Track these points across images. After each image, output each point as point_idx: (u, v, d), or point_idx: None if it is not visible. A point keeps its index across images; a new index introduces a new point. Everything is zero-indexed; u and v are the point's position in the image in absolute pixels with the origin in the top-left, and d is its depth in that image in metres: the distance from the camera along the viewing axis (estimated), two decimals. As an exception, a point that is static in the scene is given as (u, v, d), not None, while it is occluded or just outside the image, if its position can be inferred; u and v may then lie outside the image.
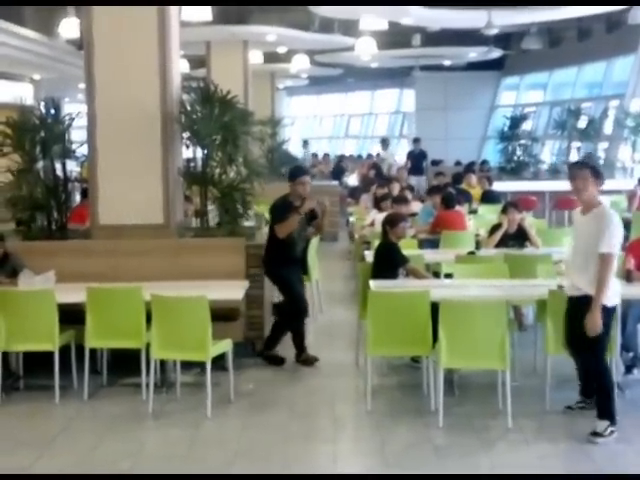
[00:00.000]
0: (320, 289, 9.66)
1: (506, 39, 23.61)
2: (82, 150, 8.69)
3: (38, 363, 7.06)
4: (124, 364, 7.20)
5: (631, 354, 6.94)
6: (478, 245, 9.08)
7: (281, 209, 7.70)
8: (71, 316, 6.86)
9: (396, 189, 12.86)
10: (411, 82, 28.95)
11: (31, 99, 20.43)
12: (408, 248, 8.42)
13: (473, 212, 12.25)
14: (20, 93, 21.07)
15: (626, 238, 6.51)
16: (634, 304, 6.68)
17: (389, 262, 7.57)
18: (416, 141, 21.70)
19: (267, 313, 8.27)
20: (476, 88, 27.81)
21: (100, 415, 6.54)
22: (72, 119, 8.44)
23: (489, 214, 11.97)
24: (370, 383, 6.56)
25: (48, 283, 7.10)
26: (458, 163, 22.23)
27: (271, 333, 7.90)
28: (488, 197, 13.57)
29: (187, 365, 7.05)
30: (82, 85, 9.60)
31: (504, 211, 9.19)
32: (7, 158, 8.28)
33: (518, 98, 27.68)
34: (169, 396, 6.88)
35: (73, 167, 14.70)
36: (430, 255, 8.84)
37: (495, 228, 9.16)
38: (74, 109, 9.02)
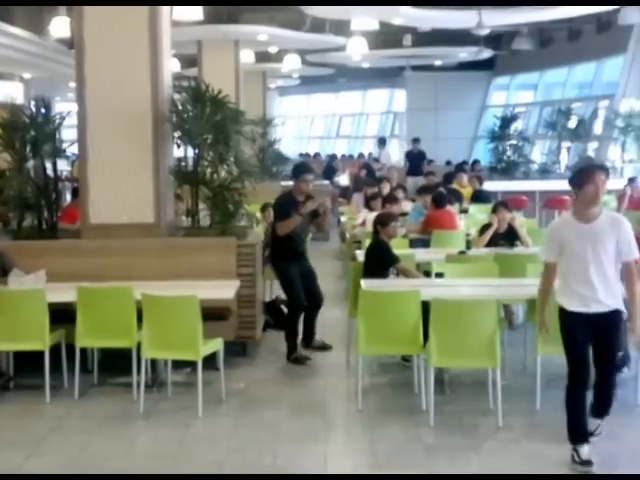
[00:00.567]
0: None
1: (497, 39, 23.66)
2: (73, 149, 8.68)
3: (29, 362, 7.04)
4: (115, 363, 7.20)
5: (621, 353, 6.96)
6: (469, 244, 9.11)
7: (283, 207, 7.85)
8: (62, 315, 6.85)
9: (387, 189, 12.87)
10: (402, 82, 28.98)
11: (21, 98, 20.42)
12: (399, 247, 8.44)
13: (464, 212, 12.28)
14: (10, 92, 21.04)
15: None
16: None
17: (380, 261, 7.59)
18: (415, 141, 21.41)
19: (258, 312, 8.28)
20: (467, 88, 27.86)
21: (91, 414, 6.53)
22: (63, 118, 8.42)
23: (480, 214, 12.00)
24: (361, 382, 6.58)
25: (38, 282, 7.09)
26: (449, 163, 22.28)
27: (287, 338, 7.96)
28: (479, 197, 13.62)
29: (178, 364, 7.05)
30: (73, 84, 9.58)
31: (494, 211, 9.22)
32: (-3, 157, 8.28)
33: (509, 98, 27.76)
34: (160, 395, 6.88)
35: (64, 166, 14.63)
36: (421, 254, 8.86)
37: (485, 228, 9.19)
38: (65, 108, 9.02)
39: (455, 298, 6.47)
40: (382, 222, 7.80)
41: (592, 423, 5.53)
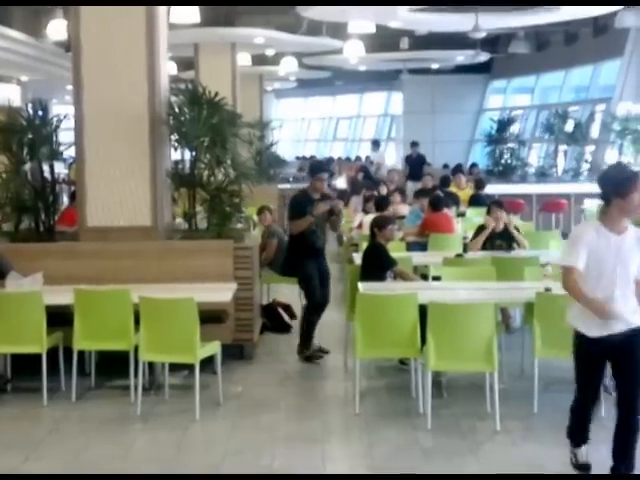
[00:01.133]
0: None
1: (494, 43, 23.70)
2: (70, 152, 8.67)
3: (26, 365, 7.03)
4: (112, 366, 7.19)
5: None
6: (466, 248, 9.11)
7: (298, 205, 7.94)
8: (59, 318, 6.84)
9: (383, 192, 12.88)
10: (399, 85, 29.02)
11: (18, 101, 20.36)
12: (396, 250, 8.43)
13: (461, 215, 12.28)
14: (7, 95, 20.99)
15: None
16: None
17: (377, 264, 7.59)
18: (414, 145, 21.10)
19: (256, 315, 8.28)
20: (464, 91, 27.88)
21: (88, 417, 6.52)
22: (60, 121, 8.41)
23: (477, 217, 12.00)
24: (358, 385, 6.58)
25: (36, 285, 7.07)
26: (446, 166, 22.27)
27: (301, 336, 8.01)
28: (476, 200, 13.61)
29: (175, 367, 7.04)
30: (70, 87, 9.56)
31: (488, 212, 9.23)
32: (-6, 160, 8.27)
33: (505, 101, 27.79)
34: (157, 398, 6.87)
35: (61, 169, 14.61)
36: (418, 257, 8.86)
37: (480, 230, 9.20)
38: (62, 111, 9.00)
39: (452, 301, 6.46)
40: (379, 225, 7.81)
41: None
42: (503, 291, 7.22)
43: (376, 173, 20.09)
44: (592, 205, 14.89)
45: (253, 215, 10.56)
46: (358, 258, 8.37)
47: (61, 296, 6.83)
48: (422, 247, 9.70)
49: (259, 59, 20.96)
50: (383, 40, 20.65)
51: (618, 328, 4.87)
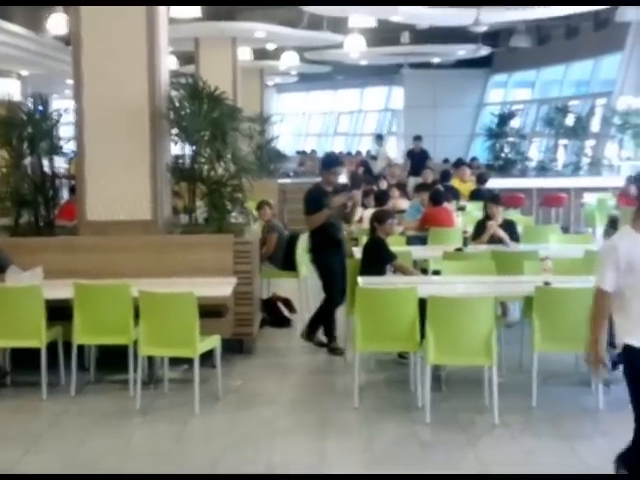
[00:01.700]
0: (308, 285, 9.67)
1: (494, 37, 23.64)
2: (70, 146, 8.67)
3: (26, 359, 7.04)
4: (112, 360, 7.20)
5: (617, 350, 6.96)
6: (466, 242, 9.10)
7: (314, 200, 7.98)
8: (59, 312, 6.85)
9: (383, 186, 12.88)
10: (400, 79, 28.96)
11: (18, 95, 20.34)
12: (396, 244, 8.44)
13: (461, 209, 12.27)
14: (7, 89, 20.97)
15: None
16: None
17: (377, 258, 7.59)
18: (417, 139, 20.31)
19: (255, 310, 8.29)
20: (464, 85, 27.84)
21: (87, 411, 6.54)
22: (60, 115, 8.42)
23: (477, 211, 11.99)
24: (357, 379, 6.58)
25: (35, 279, 7.08)
26: (446, 161, 22.24)
27: (324, 330, 8.08)
28: (477, 195, 13.59)
29: (175, 361, 7.05)
30: (70, 81, 9.56)
31: (485, 208, 9.22)
32: (-6, 154, 8.27)
33: (506, 96, 27.74)
34: (157, 392, 6.88)
35: (61, 163, 14.61)
36: (418, 251, 8.85)
37: (479, 224, 9.19)
38: (62, 105, 8.99)
39: (452, 295, 6.46)
40: (379, 219, 7.81)
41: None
42: (502, 285, 7.22)
43: (385, 170, 19.58)
44: (592, 199, 14.90)
45: (253, 210, 10.56)
46: (358, 252, 8.37)
47: (61, 290, 6.83)
48: (422, 241, 9.69)
49: (260, 53, 20.93)
50: (384, 34, 20.61)
51: None
